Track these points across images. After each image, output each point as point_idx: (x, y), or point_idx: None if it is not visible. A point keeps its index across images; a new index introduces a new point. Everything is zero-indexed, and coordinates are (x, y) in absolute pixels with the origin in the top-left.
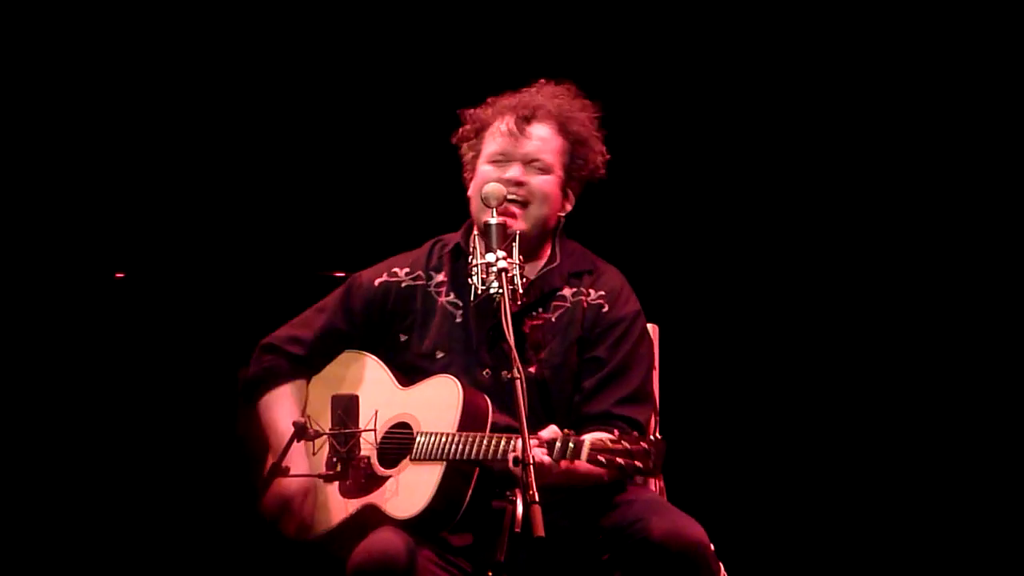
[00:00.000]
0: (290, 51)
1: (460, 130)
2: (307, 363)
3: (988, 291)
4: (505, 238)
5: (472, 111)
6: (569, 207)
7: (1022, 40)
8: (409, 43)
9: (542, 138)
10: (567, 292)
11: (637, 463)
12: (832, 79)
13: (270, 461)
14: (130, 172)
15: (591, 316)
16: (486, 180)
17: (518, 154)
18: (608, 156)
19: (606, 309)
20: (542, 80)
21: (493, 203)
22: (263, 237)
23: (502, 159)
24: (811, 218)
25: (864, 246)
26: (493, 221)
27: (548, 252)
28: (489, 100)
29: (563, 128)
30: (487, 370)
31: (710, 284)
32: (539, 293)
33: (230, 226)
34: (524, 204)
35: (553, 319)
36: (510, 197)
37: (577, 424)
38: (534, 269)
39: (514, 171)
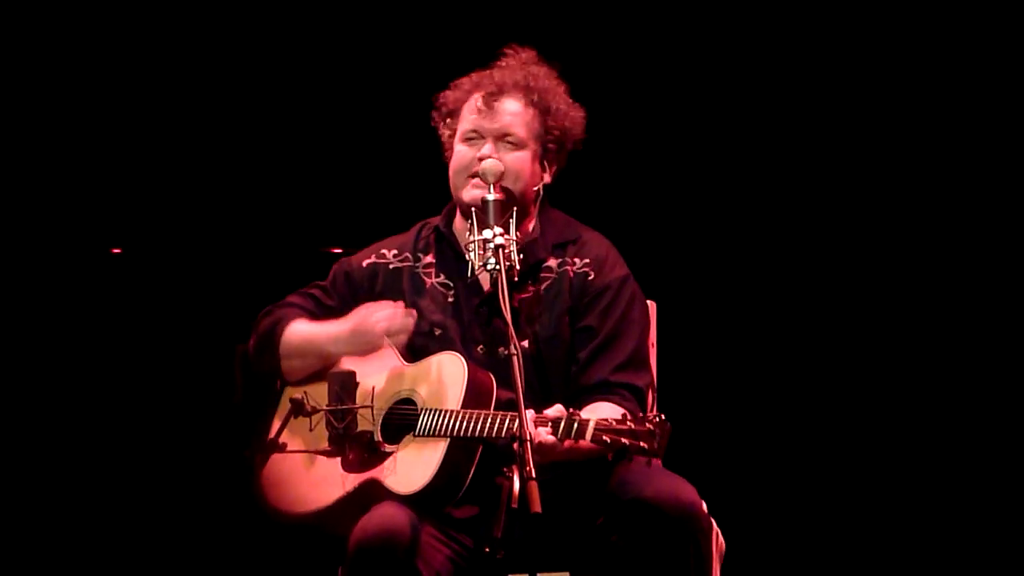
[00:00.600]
0: (285, 31)
1: (435, 112)
2: (306, 313)
3: (985, 283)
4: (502, 214)
5: (446, 92)
6: (548, 178)
7: (1022, 40)
8: (405, 18)
9: (512, 112)
10: (552, 263)
11: (642, 444)
12: (830, 50)
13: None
14: (127, 148)
15: (578, 285)
16: (461, 159)
17: (490, 130)
18: (584, 118)
19: (592, 277)
20: (508, 49)
21: (490, 179)
22: (261, 213)
23: (475, 136)
24: (810, 199)
25: (864, 228)
26: (491, 197)
27: (531, 225)
28: (461, 80)
29: (532, 100)
30: (481, 346)
31: (709, 261)
32: (525, 266)
33: (228, 202)
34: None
35: (541, 291)
36: (480, 172)
37: (576, 396)
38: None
39: (487, 148)
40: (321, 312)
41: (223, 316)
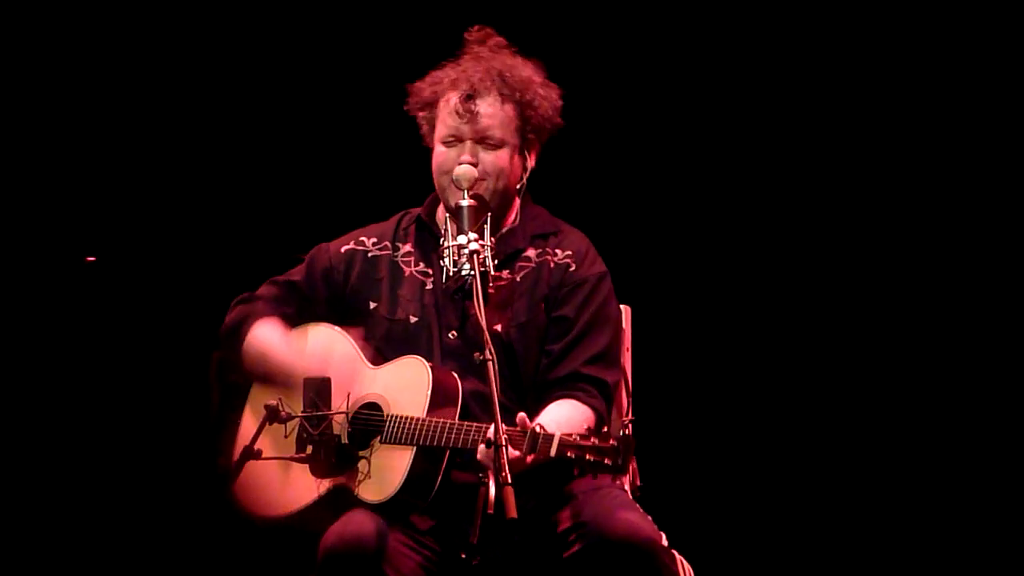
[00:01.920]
0: (270, 36)
1: (410, 101)
2: (280, 305)
3: (963, 285)
4: (477, 220)
5: (418, 85)
6: (531, 165)
7: (1022, 40)
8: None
9: (489, 113)
10: (531, 253)
11: (606, 460)
12: (812, 45)
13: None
14: (102, 154)
15: (558, 275)
16: (441, 161)
17: (468, 133)
18: (560, 95)
19: (573, 268)
20: (472, 34)
21: (464, 185)
22: (238, 219)
23: (453, 140)
24: (786, 201)
25: (844, 233)
26: (464, 203)
27: (512, 216)
28: (434, 72)
29: (507, 95)
30: (453, 332)
31: (683, 266)
32: (502, 255)
33: (204, 209)
34: (481, 181)
35: (518, 279)
36: (455, 178)
37: (545, 388)
38: (497, 222)
39: (466, 151)
40: (296, 302)
41: (199, 324)
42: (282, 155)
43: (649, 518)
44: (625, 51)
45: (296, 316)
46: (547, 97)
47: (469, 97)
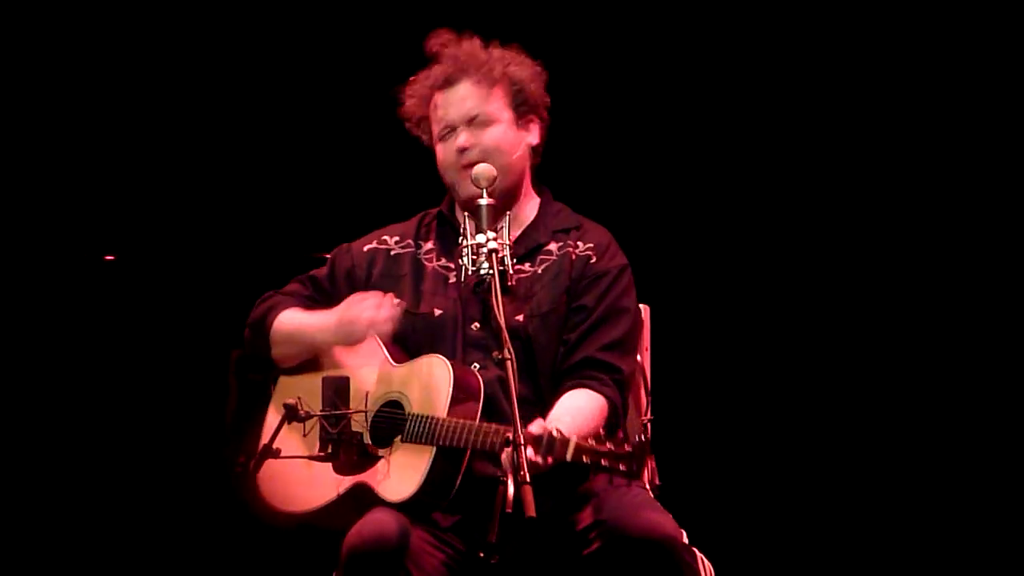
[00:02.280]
0: (272, 35)
1: (407, 126)
2: (302, 299)
3: (967, 288)
4: (496, 219)
5: (405, 106)
6: (535, 141)
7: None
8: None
9: (466, 95)
10: (553, 246)
11: (620, 466)
12: (818, 46)
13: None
14: (120, 154)
15: (579, 266)
16: (444, 157)
17: (457, 119)
18: (540, 69)
19: (594, 260)
20: (435, 38)
21: (483, 183)
22: (256, 218)
23: (448, 132)
24: (804, 203)
25: (859, 235)
26: (483, 202)
27: (529, 200)
28: (412, 87)
29: (482, 74)
30: (476, 323)
31: (703, 266)
32: (524, 249)
33: (222, 208)
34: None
35: (540, 271)
36: (464, 162)
37: (559, 376)
38: (518, 216)
39: (462, 137)
40: (320, 297)
41: (218, 322)
42: (298, 155)
43: (669, 516)
44: (651, 50)
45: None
46: (523, 65)
47: (446, 85)
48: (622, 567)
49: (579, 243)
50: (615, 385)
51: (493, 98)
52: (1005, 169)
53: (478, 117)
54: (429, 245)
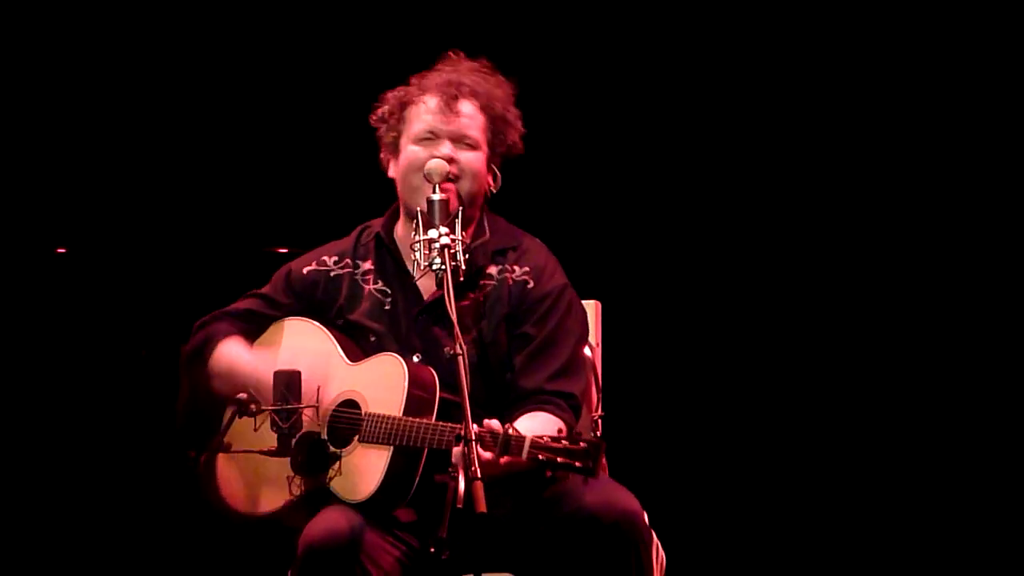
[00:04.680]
0: (239, 27)
1: (379, 112)
2: (249, 322)
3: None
4: (448, 214)
5: (392, 92)
6: (495, 187)
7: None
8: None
9: (469, 115)
10: (492, 270)
11: (576, 463)
12: (776, 33)
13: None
14: (71, 145)
15: (517, 293)
16: (414, 160)
17: (447, 131)
18: (524, 131)
19: (531, 285)
20: (451, 54)
21: (436, 179)
22: (205, 213)
23: (431, 137)
24: (751, 192)
25: (806, 222)
26: (436, 197)
27: (474, 229)
28: (411, 80)
29: (486, 105)
30: (417, 355)
31: (652, 259)
32: (466, 274)
33: (172, 201)
34: (455, 180)
35: (480, 298)
36: (426, 172)
37: (513, 403)
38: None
39: (445, 148)
40: (259, 324)
41: (167, 317)
42: (252, 150)
43: (632, 494)
44: (581, 41)
45: (259, 332)
46: (516, 123)
47: (454, 97)
48: (579, 544)
49: (515, 267)
50: (571, 410)
51: (484, 129)
52: (997, 169)
53: (468, 138)
54: (367, 265)
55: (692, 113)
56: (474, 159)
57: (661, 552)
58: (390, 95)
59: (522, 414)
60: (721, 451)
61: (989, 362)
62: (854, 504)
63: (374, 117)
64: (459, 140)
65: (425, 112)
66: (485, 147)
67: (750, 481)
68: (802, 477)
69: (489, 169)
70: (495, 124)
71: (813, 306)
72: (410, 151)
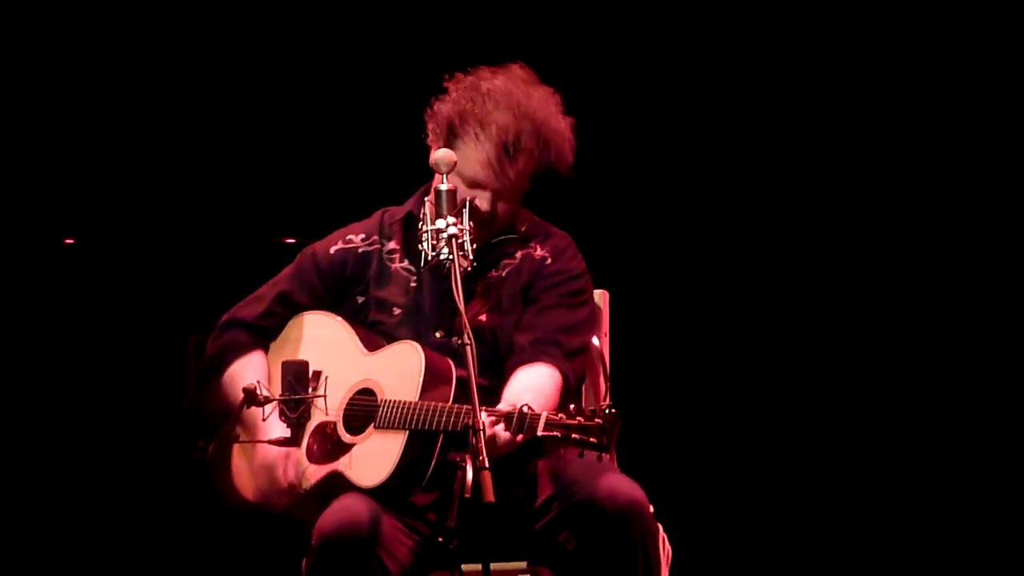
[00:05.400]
0: (247, 17)
1: (428, 126)
2: (266, 334)
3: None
4: (455, 204)
5: (444, 106)
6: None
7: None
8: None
9: (519, 172)
10: (518, 254)
11: (591, 439)
12: (783, 33)
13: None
14: (80, 134)
15: (536, 267)
16: (451, 190)
17: (492, 186)
18: (575, 147)
19: (549, 262)
20: (503, 67)
21: (444, 169)
22: (215, 203)
23: (472, 183)
24: (761, 185)
25: (813, 215)
26: (443, 187)
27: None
28: (453, 94)
29: (542, 153)
30: (440, 331)
31: (660, 250)
32: (493, 258)
33: (181, 190)
34: (487, 218)
35: (503, 275)
36: (470, 215)
37: (510, 350)
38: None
39: (483, 201)
40: (279, 322)
41: (177, 307)
42: (259, 141)
43: (637, 484)
44: (589, 31)
45: (279, 329)
46: (567, 150)
47: (508, 153)
48: (586, 533)
49: (538, 247)
50: (565, 358)
51: (525, 177)
52: (997, 169)
53: (501, 191)
54: (393, 244)
55: (701, 102)
56: (503, 209)
57: (667, 544)
58: (443, 111)
59: (519, 366)
60: (728, 443)
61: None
62: (863, 498)
63: (427, 128)
64: (498, 191)
65: (475, 158)
66: (526, 182)
67: (757, 474)
68: (809, 468)
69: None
70: (540, 166)
71: (821, 302)
72: (451, 178)
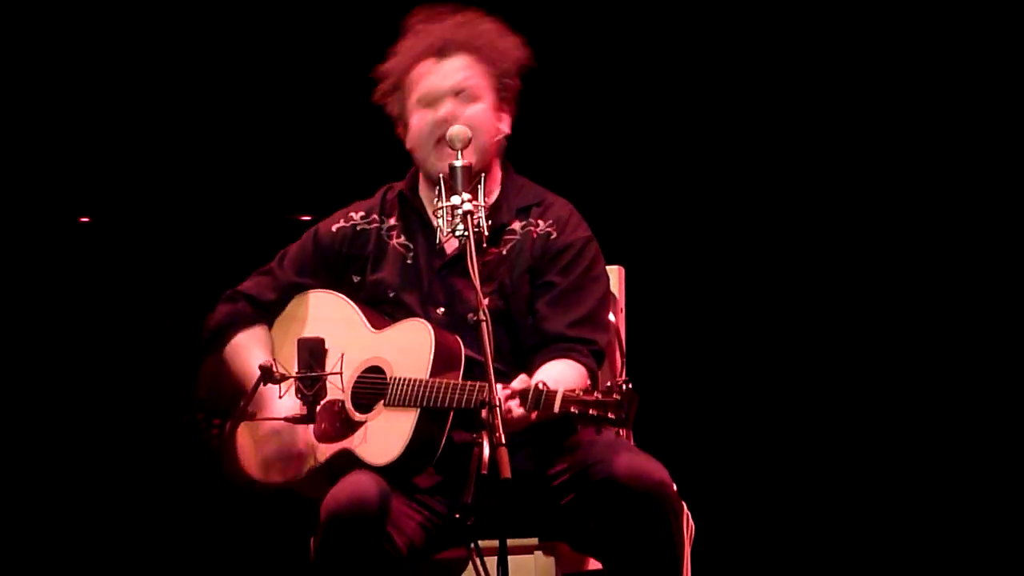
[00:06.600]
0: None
1: (378, 89)
2: (268, 308)
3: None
4: (470, 180)
5: (386, 65)
6: (506, 129)
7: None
8: None
9: (460, 66)
10: (516, 226)
11: (609, 415)
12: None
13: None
14: (95, 115)
15: (540, 244)
16: (422, 125)
17: (444, 89)
18: (521, 45)
19: (554, 236)
20: (423, 11)
21: (458, 145)
22: (229, 180)
23: (431, 99)
24: (777, 162)
25: (828, 195)
26: (458, 164)
27: (496, 180)
28: (394, 51)
29: (479, 54)
30: (441, 308)
31: (676, 225)
32: (489, 231)
33: (196, 169)
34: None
35: (504, 252)
36: (441, 133)
37: (534, 349)
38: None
39: (446, 107)
40: (282, 291)
41: (191, 284)
42: (262, 122)
43: (660, 463)
44: (605, 3)
45: (283, 305)
46: (511, 50)
47: (441, 53)
48: (609, 513)
49: (539, 221)
50: (593, 356)
51: (482, 76)
52: (1001, 169)
53: (466, 91)
54: (392, 221)
55: (721, 77)
56: (477, 111)
57: (691, 522)
58: (386, 68)
59: (544, 361)
60: (747, 418)
61: None
62: (885, 476)
63: (377, 94)
64: (458, 95)
65: (419, 77)
66: (488, 94)
67: (776, 449)
68: (829, 443)
69: (498, 116)
70: (493, 67)
71: (842, 277)
72: (416, 118)
